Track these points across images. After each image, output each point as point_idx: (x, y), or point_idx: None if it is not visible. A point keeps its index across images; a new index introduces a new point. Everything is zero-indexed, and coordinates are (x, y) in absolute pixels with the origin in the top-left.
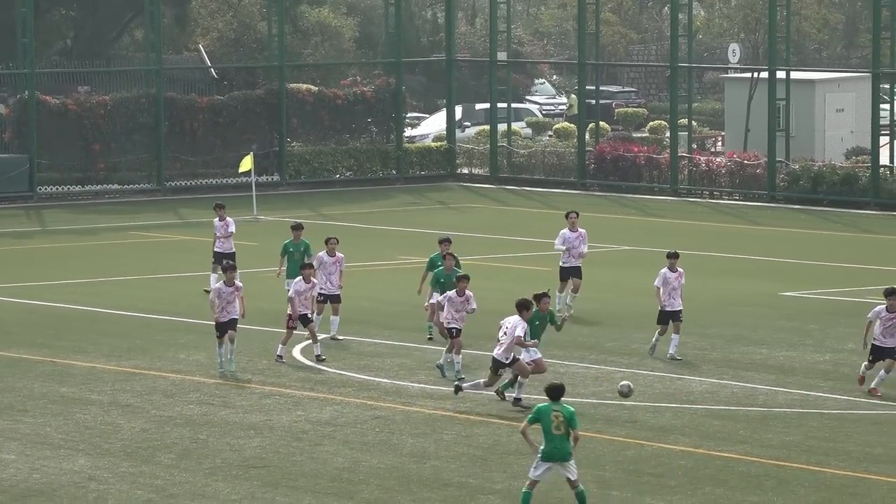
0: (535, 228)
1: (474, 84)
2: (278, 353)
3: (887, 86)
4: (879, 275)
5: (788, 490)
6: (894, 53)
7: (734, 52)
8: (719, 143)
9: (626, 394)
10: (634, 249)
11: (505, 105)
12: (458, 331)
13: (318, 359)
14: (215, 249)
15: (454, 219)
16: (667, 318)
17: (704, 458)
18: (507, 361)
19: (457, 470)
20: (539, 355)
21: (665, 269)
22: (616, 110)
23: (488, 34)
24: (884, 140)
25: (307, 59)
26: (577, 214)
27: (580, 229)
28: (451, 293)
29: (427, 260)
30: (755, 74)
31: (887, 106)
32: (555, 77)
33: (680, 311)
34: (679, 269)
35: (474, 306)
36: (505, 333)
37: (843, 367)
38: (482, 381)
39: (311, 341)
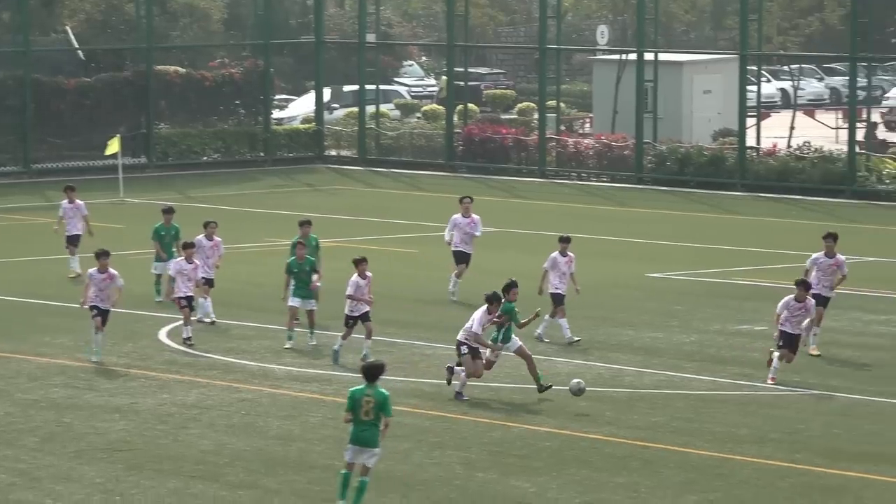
0: (403, 210)
1: (343, 66)
2: (186, 335)
3: (754, 67)
4: (746, 256)
5: (654, 471)
6: (761, 35)
7: (602, 33)
8: (587, 125)
9: (577, 392)
10: (502, 231)
11: (373, 87)
12: (366, 314)
13: (186, 342)
14: (67, 233)
15: (322, 201)
16: (556, 301)
17: (570, 440)
18: (468, 343)
19: (323, 452)
20: (520, 343)
21: (556, 253)
22: (484, 92)
23: (357, 16)
24: (751, 122)
25: (175, 40)
26: (471, 200)
27: (473, 215)
28: (355, 278)
29: (290, 245)
30: (623, 56)
31: (754, 87)
32: (423, 59)
33: (564, 296)
34: (570, 253)
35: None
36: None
37: (708, 348)
38: (463, 373)
39: (182, 322)
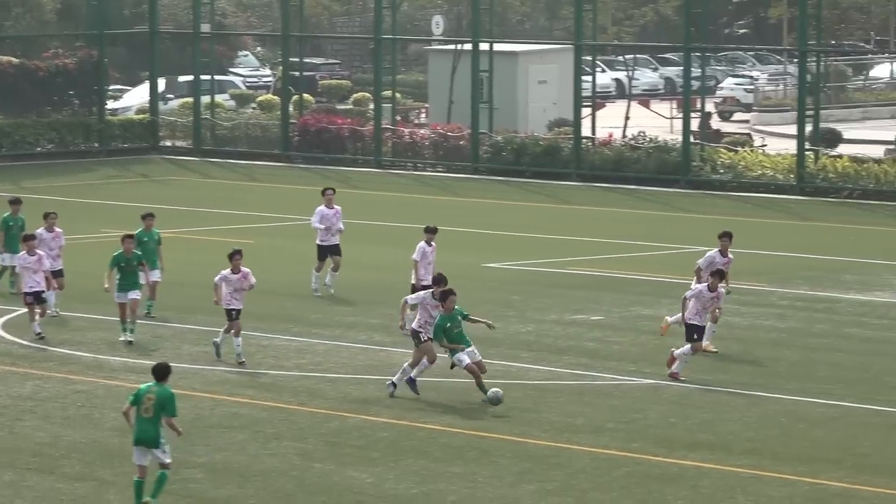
0: (239, 201)
1: (178, 56)
2: (36, 331)
3: (589, 58)
4: (581, 245)
5: (491, 461)
6: (596, 25)
7: (438, 24)
8: (423, 115)
9: (496, 402)
10: None
11: (208, 77)
12: (238, 312)
13: (38, 336)
14: None
15: (157, 191)
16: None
17: (407, 430)
18: (422, 331)
19: None
20: (479, 356)
21: (422, 243)
22: (320, 82)
23: (192, 6)
24: (586, 112)
25: (7, 30)
26: (334, 191)
27: (336, 206)
28: (226, 272)
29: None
30: (458, 46)
31: (589, 78)
32: (258, 49)
33: None
34: (434, 243)
35: (253, 282)
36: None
37: (545, 337)
38: (406, 364)
39: (28, 312)
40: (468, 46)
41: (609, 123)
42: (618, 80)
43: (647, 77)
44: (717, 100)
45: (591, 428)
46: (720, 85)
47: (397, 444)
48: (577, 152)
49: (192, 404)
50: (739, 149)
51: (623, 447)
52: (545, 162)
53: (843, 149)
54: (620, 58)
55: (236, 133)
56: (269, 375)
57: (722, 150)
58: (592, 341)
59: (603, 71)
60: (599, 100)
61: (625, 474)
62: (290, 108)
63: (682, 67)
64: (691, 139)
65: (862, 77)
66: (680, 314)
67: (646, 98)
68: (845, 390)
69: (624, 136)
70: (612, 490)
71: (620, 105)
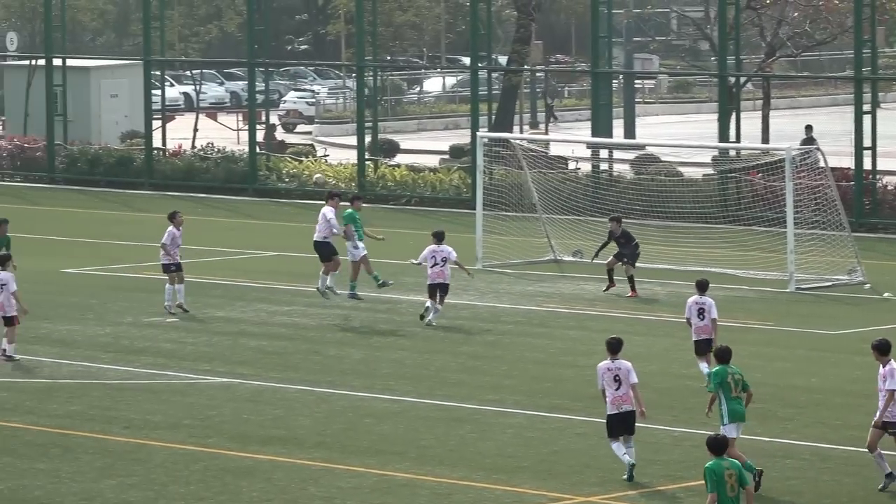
0: None
1: None
2: None
3: (158, 73)
4: (154, 251)
5: (74, 457)
6: (164, 42)
7: (12, 40)
8: (0, 128)
9: None
10: None
11: None
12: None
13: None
14: None
15: None
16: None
17: None
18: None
19: None
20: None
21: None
22: None
23: None
24: (156, 124)
25: None
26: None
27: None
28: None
29: None
30: (33, 62)
31: (158, 92)
32: None
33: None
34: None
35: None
36: None
37: (122, 339)
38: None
39: None
40: (42, 62)
41: (179, 135)
42: (186, 94)
43: (213, 91)
44: (281, 112)
45: (168, 424)
46: (283, 98)
47: None
48: (148, 162)
49: None
50: (303, 159)
51: (199, 442)
52: (119, 172)
53: (400, 158)
54: (188, 72)
55: None
56: None
57: (287, 159)
58: (168, 342)
59: (172, 85)
60: (169, 112)
61: (202, 468)
62: None
63: (246, 82)
64: (257, 150)
65: (416, 91)
66: None
67: (213, 111)
68: (407, 386)
69: (193, 147)
70: (189, 483)
71: (189, 118)
